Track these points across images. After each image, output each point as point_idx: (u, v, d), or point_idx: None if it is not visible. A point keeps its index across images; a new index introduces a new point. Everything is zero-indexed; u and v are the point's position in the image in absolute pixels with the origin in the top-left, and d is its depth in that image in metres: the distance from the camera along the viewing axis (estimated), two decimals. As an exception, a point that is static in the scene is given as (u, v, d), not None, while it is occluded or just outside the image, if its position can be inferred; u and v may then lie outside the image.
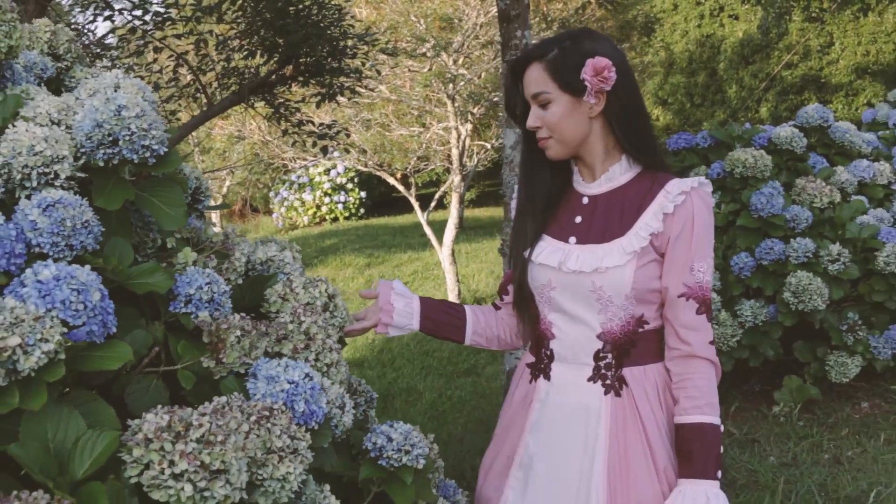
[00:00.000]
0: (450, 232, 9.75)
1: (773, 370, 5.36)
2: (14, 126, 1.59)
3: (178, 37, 5.34)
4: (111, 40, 6.00)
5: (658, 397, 1.98)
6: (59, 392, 1.33)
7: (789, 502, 3.81)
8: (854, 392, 5.27)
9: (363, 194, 18.78)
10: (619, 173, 2.03)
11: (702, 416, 1.90)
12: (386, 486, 1.84)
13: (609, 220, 2.00)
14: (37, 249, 1.48)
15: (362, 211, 18.97)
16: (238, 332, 1.61)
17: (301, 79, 5.38)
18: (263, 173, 17.20)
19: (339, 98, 5.45)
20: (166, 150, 1.64)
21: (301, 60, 5.18)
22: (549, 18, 10.60)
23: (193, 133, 9.91)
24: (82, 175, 1.60)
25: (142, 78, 4.55)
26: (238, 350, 1.60)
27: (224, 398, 1.44)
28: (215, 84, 5.39)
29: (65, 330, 1.29)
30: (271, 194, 19.04)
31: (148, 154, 1.61)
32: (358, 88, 5.90)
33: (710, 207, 1.97)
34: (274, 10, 4.82)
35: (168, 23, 5.03)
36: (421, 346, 7.98)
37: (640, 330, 1.99)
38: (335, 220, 18.67)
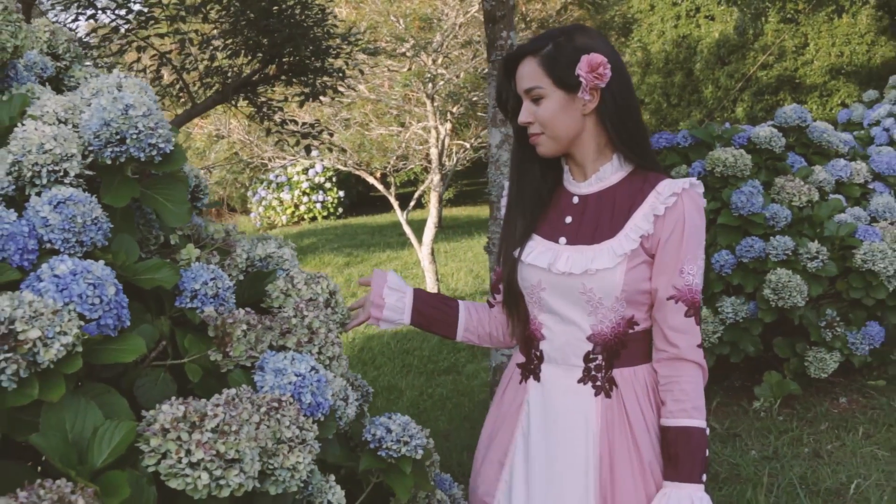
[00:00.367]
0: (429, 231, 9.80)
1: (753, 366, 5.44)
2: (23, 125, 1.62)
3: (161, 36, 5.34)
4: (92, 40, 5.98)
5: (648, 398, 1.96)
6: (75, 384, 1.36)
7: (771, 495, 3.87)
8: (832, 387, 5.36)
9: (341, 194, 18.79)
10: (610, 173, 2.00)
11: (688, 419, 1.89)
12: (385, 477, 1.88)
13: (599, 220, 1.97)
14: (48, 245, 1.51)
15: (340, 210, 18.97)
16: (244, 327, 1.64)
17: (284, 78, 5.39)
18: (241, 172, 17.16)
19: (322, 97, 5.46)
20: (172, 148, 1.68)
21: (284, 60, 5.20)
22: (528, 19, 10.67)
23: (173, 132, 9.85)
24: (90, 173, 1.64)
25: (126, 77, 4.53)
26: (244, 344, 1.63)
27: (233, 390, 1.47)
28: (198, 83, 5.40)
29: (82, 323, 1.32)
30: (249, 193, 19.01)
31: (154, 152, 1.64)
32: (340, 88, 5.93)
33: (701, 209, 1.95)
34: (258, 9, 4.83)
35: (151, 22, 5.03)
36: (401, 345, 8.02)
37: (631, 331, 1.97)
38: (313, 219, 18.66)
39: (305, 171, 18.11)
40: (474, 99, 10.28)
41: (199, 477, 1.29)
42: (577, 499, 1.95)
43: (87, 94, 1.81)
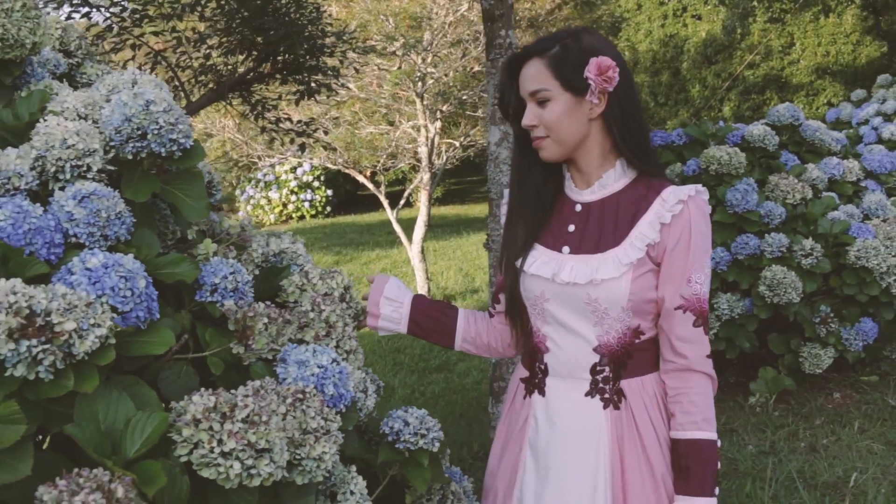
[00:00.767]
0: (419, 229, 9.81)
1: (748, 362, 5.48)
2: (44, 120, 1.63)
3: (156, 34, 5.34)
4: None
5: (658, 408, 1.91)
6: (106, 376, 1.38)
7: (770, 489, 3.91)
8: (826, 383, 5.40)
9: (329, 192, 18.79)
10: (613, 179, 1.95)
11: (698, 431, 1.84)
12: (403, 469, 1.90)
13: (603, 228, 1.92)
14: (73, 240, 1.53)
15: (329, 209, 18.98)
16: (265, 320, 1.66)
17: (279, 76, 5.40)
18: (229, 171, 17.14)
19: (317, 96, 5.47)
20: (192, 143, 1.69)
21: (279, 58, 5.21)
22: (517, 17, 10.68)
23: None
24: (112, 168, 1.65)
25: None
26: (266, 337, 1.65)
27: (257, 382, 1.49)
28: (192, 81, 5.40)
29: (114, 315, 1.34)
30: (237, 192, 18.99)
31: (175, 147, 1.65)
32: (334, 86, 5.94)
33: (707, 216, 1.90)
34: (253, 8, 4.84)
35: (146, 20, 5.03)
36: (392, 343, 8.03)
37: (637, 341, 1.92)
38: (301, 218, 18.66)
39: (293, 169, 18.11)
40: (464, 97, 10.29)
41: (231, 466, 1.30)
42: None
43: (103, 91, 1.83)
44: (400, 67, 9.72)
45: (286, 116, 5.75)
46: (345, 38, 5.45)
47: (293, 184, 18.37)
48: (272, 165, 16.07)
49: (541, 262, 1.96)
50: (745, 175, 5.23)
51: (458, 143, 11.16)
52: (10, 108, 1.72)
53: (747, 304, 5.00)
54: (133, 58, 5.39)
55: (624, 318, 1.89)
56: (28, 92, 1.77)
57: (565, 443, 1.94)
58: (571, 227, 1.97)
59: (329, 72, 5.42)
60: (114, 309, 1.36)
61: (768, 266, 4.89)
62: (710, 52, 15.77)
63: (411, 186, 11.35)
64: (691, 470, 1.84)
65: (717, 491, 1.86)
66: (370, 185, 10.46)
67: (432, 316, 2.17)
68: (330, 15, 5.66)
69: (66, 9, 5.26)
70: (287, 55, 5.19)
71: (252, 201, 18.54)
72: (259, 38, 5.01)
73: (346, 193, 19.85)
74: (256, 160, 11.17)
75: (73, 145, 1.59)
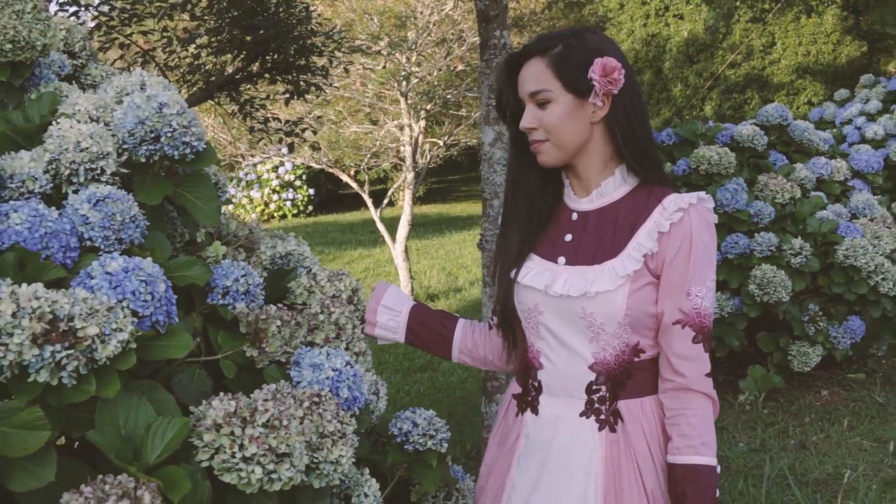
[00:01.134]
0: (403, 229, 9.81)
1: (737, 360, 5.52)
2: (57, 123, 1.63)
3: (145, 33, 5.32)
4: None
5: (657, 433, 1.79)
6: (126, 380, 1.37)
7: (762, 486, 3.93)
8: (814, 381, 5.46)
9: (311, 191, 18.76)
10: (613, 188, 1.83)
11: (697, 456, 1.71)
12: (412, 470, 1.90)
13: (601, 239, 1.81)
14: (88, 243, 1.52)
15: (310, 208, 18.95)
16: (278, 322, 1.66)
17: (268, 76, 5.39)
18: (211, 171, 17.03)
19: (307, 95, 5.47)
20: (205, 146, 1.69)
21: (268, 57, 5.20)
22: (502, 16, 10.66)
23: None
24: (125, 171, 1.65)
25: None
26: (279, 339, 1.65)
27: (273, 386, 1.49)
28: (181, 81, 5.38)
29: (135, 320, 1.34)
30: (219, 192, 18.88)
31: (188, 150, 1.65)
32: (323, 86, 5.93)
33: (711, 225, 1.77)
34: (243, 7, 4.83)
35: (135, 19, 5.01)
36: (376, 342, 8.01)
37: (637, 359, 1.79)
38: (283, 217, 18.62)
39: (275, 168, 18.07)
40: (448, 97, 10.29)
41: (253, 471, 1.31)
42: None
43: (111, 93, 1.82)
44: (385, 67, 9.71)
45: (274, 116, 5.74)
46: (334, 37, 5.44)
47: (275, 183, 18.33)
48: (254, 165, 16.02)
49: (535, 273, 1.85)
50: (735, 175, 5.26)
51: (441, 143, 11.17)
52: (21, 110, 1.71)
53: (737, 303, 5.04)
54: (121, 57, 5.37)
55: (621, 334, 1.77)
56: (38, 94, 1.76)
57: (555, 465, 1.83)
58: (568, 237, 1.86)
59: (318, 71, 5.41)
60: (134, 313, 1.35)
61: (758, 265, 4.93)
62: (691, 52, 15.85)
63: (395, 185, 11.34)
64: (688, 496, 1.71)
65: None
66: (354, 185, 10.44)
67: (430, 326, 2.09)
68: (320, 15, 5.66)
69: (53, 7, 5.23)
70: (276, 55, 5.18)
71: (233, 200, 18.48)
72: (248, 38, 4.99)
73: (327, 192, 19.82)
74: (240, 159, 11.13)
75: (87, 148, 1.58)
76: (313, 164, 10.71)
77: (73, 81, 2.13)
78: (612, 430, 1.79)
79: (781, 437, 4.63)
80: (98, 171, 1.59)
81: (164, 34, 4.88)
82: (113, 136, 1.65)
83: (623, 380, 1.79)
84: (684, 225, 1.73)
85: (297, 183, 18.55)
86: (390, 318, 2.07)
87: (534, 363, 1.89)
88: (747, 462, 4.27)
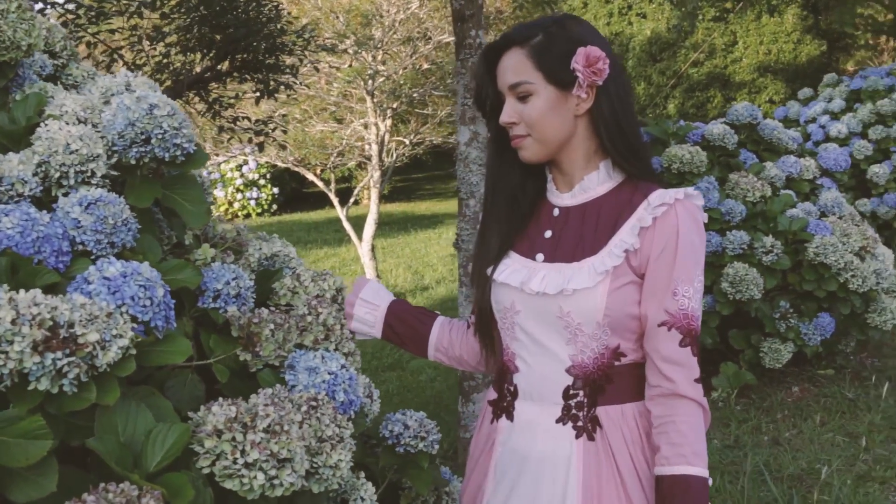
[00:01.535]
0: (369, 227, 9.80)
1: (709, 357, 5.56)
2: (45, 125, 1.60)
3: (112, 32, 5.26)
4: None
5: (640, 442, 1.69)
6: (124, 387, 1.35)
7: (738, 482, 3.97)
8: (784, 377, 5.52)
9: (276, 190, 18.67)
10: (596, 183, 1.74)
11: (687, 466, 1.59)
12: (403, 473, 1.89)
13: (582, 236, 1.71)
14: (80, 247, 1.50)
15: (275, 207, 18.86)
16: (272, 326, 1.64)
17: (237, 75, 5.36)
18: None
19: (276, 94, 5.44)
20: (195, 148, 1.67)
21: (238, 56, 5.17)
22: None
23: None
24: (115, 173, 1.62)
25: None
26: (273, 343, 1.63)
27: (269, 390, 1.47)
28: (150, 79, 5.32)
29: (135, 325, 1.32)
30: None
31: (178, 152, 1.63)
32: (292, 85, 5.90)
33: (699, 222, 1.68)
34: (212, 6, 4.79)
35: (102, 18, 4.95)
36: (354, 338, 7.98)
37: (617, 363, 1.69)
38: (247, 216, 18.50)
39: (239, 167, 17.96)
40: (414, 95, 10.29)
41: (255, 477, 1.29)
42: None
43: (97, 94, 1.79)
44: (350, 65, 9.68)
45: (244, 115, 5.70)
46: (305, 36, 5.42)
47: (239, 182, 18.22)
48: (218, 164, 15.91)
49: (511, 270, 1.76)
50: (706, 173, 5.30)
51: (407, 141, 11.16)
52: (6, 111, 1.68)
53: (710, 301, 5.08)
54: (89, 56, 5.30)
55: (600, 335, 1.67)
56: (23, 95, 1.73)
57: (530, 475, 1.73)
58: (548, 233, 1.77)
59: (287, 70, 5.38)
60: (133, 319, 1.33)
61: (730, 263, 4.97)
62: (654, 51, 15.97)
63: (361, 184, 11.32)
64: None
65: None
66: (320, 183, 10.41)
67: (408, 322, 2.01)
68: (289, 13, 5.63)
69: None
70: (246, 54, 5.15)
71: (197, 199, 18.32)
72: (218, 36, 4.96)
73: (292, 191, 19.74)
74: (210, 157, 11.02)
75: (77, 150, 1.56)
76: (279, 163, 10.67)
77: (55, 82, 2.10)
78: (591, 437, 1.69)
79: (755, 433, 4.68)
80: (88, 174, 1.57)
81: (133, 32, 4.83)
82: (102, 137, 1.63)
83: (602, 384, 1.70)
84: (670, 221, 1.63)
85: (262, 182, 18.45)
86: (367, 312, 2.01)
87: (509, 366, 1.80)
88: (722, 459, 4.31)
